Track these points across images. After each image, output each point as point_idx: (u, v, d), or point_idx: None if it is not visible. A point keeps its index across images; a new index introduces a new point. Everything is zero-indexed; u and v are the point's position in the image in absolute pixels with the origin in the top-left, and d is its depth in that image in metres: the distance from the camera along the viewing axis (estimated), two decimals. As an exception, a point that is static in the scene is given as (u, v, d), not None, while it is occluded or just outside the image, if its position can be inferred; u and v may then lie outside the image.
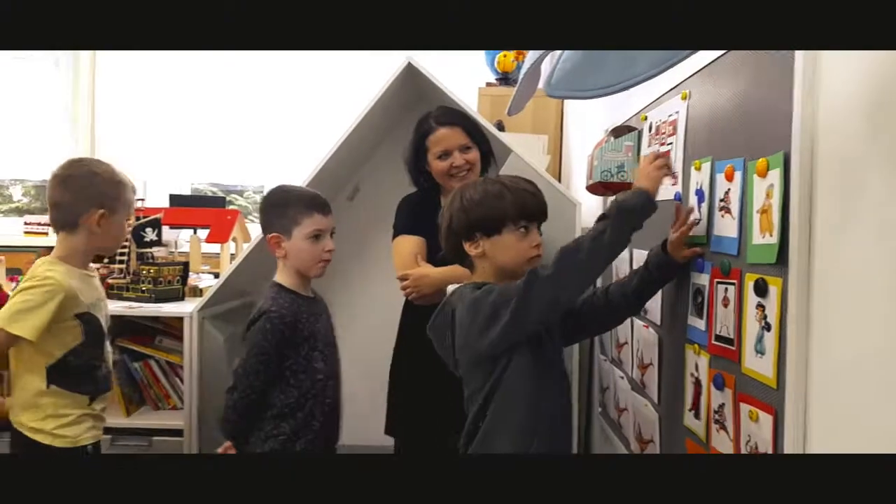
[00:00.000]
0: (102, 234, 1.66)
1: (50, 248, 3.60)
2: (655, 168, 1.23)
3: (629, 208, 1.19)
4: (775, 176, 0.94)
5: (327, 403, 1.67)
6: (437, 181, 1.92)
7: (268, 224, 1.69)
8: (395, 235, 1.94)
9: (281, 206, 1.67)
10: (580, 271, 1.21)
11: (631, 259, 1.61)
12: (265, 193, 1.77)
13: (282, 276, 1.68)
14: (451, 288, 1.40)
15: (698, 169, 1.23)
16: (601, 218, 1.22)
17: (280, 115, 3.51)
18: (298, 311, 1.63)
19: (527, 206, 1.33)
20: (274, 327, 1.57)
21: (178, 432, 2.20)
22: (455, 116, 1.93)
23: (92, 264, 2.80)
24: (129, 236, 1.74)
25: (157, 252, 2.69)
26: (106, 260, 2.70)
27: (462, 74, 2.86)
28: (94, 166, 1.70)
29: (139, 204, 2.84)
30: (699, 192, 1.23)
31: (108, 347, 1.75)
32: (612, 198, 1.84)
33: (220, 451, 1.73)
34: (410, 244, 1.87)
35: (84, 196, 1.64)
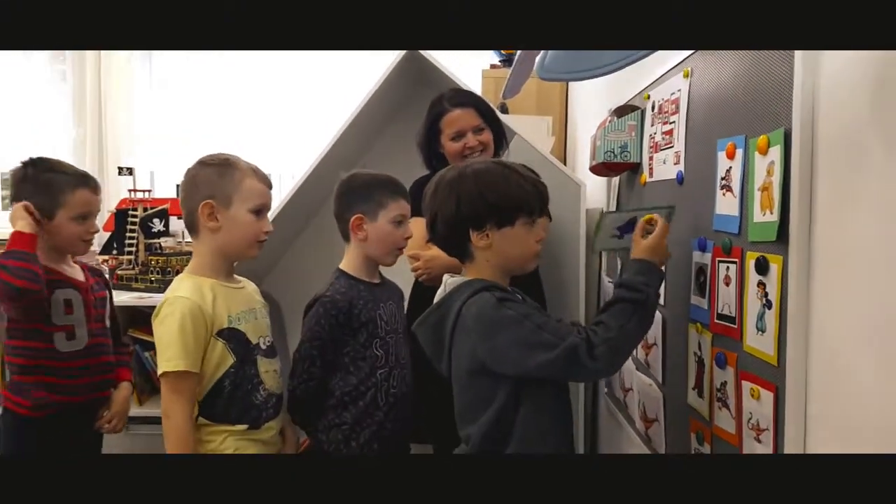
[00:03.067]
0: (224, 231, 1.40)
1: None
2: (656, 239, 1.19)
3: (653, 283, 1.17)
4: (776, 153, 0.94)
5: (392, 394, 1.58)
6: (450, 163, 1.92)
7: (348, 206, 1.60)
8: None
9: (366, 189, 1.61)
10: (632, 344, 1.19)
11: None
12: (345, 177, 1.63)
13: (346, 262, 1.63)
14: (447, 278, 1.29)
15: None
16: (621, 299, 1.15)
17: (286, 102, 3.50)
18: (356, 296, 1.56)
19: (543, 197, 1.24)
20: (326, 312, 1.52)
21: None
22: (468, 97, 1.93)
23: (100, 256, 2.84)
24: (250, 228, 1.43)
25: (165, 242, 2.71)
26: (115, 251, 2.73)
27: (465, 56, 2.84)
28: (205, 158, 1.46)
29: (147, 195, 2.87)
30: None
31: (275, 365, 1.53)
32: (615, 178, 1.83)
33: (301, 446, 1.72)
34: (423, 226, 1.87)
35: (191, 190, 1.42)
